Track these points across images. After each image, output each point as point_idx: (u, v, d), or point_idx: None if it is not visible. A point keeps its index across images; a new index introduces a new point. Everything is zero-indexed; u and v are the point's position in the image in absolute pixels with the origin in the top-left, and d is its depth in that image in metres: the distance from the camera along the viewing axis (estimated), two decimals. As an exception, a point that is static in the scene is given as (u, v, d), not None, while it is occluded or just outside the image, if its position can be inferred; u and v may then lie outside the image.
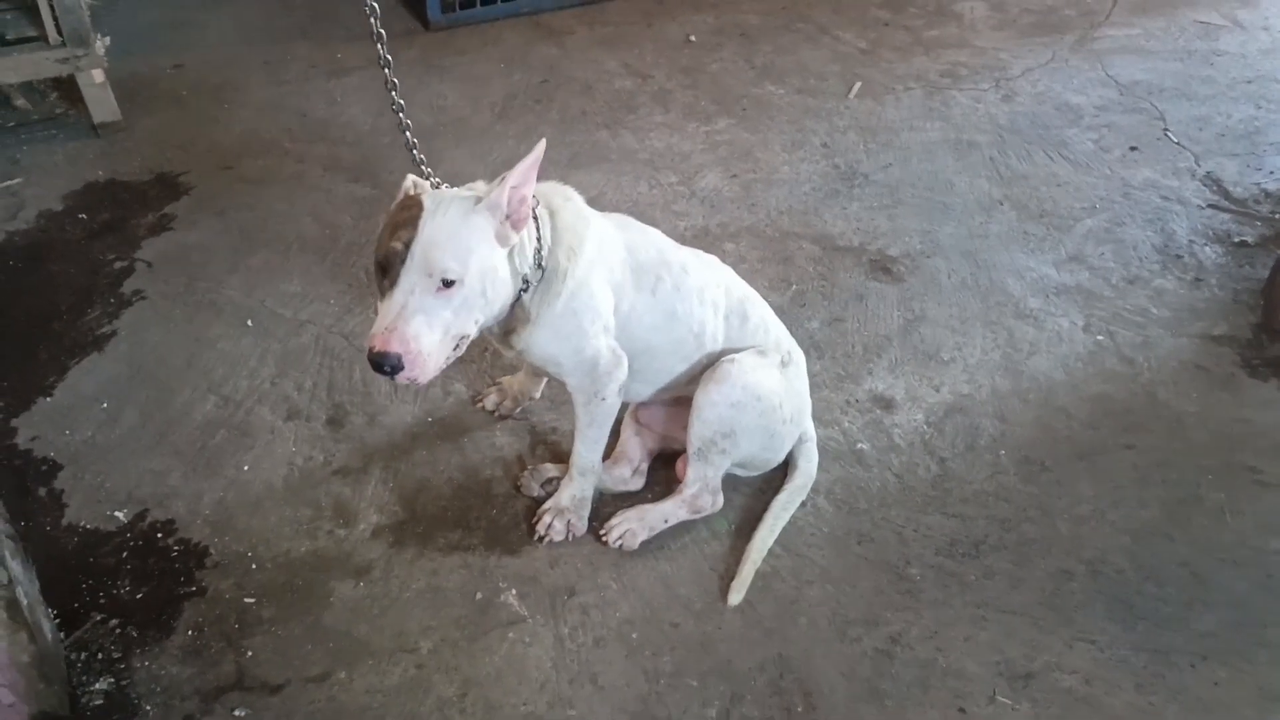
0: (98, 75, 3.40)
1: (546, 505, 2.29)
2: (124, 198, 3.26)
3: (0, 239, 3.08)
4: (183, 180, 3.34)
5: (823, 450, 2.42)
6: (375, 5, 2.25)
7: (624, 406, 2.34)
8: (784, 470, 2.38)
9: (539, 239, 1.98)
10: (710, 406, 2.19)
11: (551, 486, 2.35)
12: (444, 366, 1.88)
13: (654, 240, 2.21)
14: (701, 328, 2.21)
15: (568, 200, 2.07)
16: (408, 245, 1.79)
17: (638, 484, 2.40)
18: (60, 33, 3.21)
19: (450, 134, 3.58)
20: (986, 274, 3.01)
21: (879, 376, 2.69)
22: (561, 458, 2.39)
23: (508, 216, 1.88)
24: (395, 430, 2.53)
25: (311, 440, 2.50)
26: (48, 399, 2.60)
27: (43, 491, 2.37)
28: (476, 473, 2.42)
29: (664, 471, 2.42)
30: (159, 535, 2.29)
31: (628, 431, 2.42)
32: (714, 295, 2.24)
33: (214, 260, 3.02)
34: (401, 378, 1.80)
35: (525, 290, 1.97)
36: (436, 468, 2.43)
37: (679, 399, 2.32)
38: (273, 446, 2.48)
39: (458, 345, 1.89)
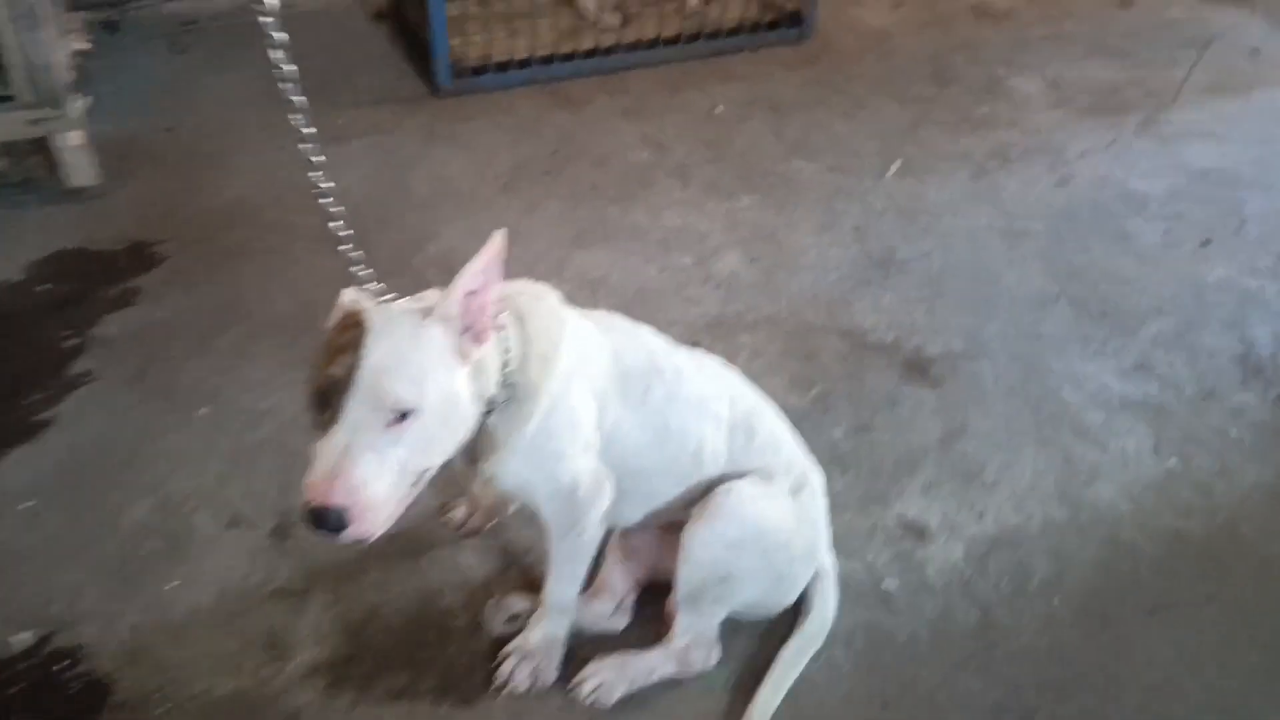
0: (75, 138, 3.22)
1: (511, 646, 1.99)
2: (92, 268, 3.06)
3: (-51, 309, 2.88)
4: (158, 250, 3.13)
5: (843, 587, 2.11)
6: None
7: (609, 531, 2.03)
8: (795, 611, 2.06)
9: (506, 350, 1.70)
10: (701, 547, 1.89)
11: (518, 624, 2.04)
12: (400, 513, 1.59)
13: (644, 342, 1.93)
14: (699, 445, 1.92)
15: (538, 300, 1.80)
16: (350, 372, 1.51)
17: (620, 623, 2.08)
18: (34, 91, 3.04)
19: (449, 206, 3.36)
20: (1039, 380, 2.70)
21: (911, 499, 2.36)
22: (537, 585, 2.09)
23: (467, 329, 1.61)
24: (346, 546, 2.23)
25: (252, 553, 2.22)
26: (-33, 494, 2.35)
27: (-65, 606, 2.12)
28: (434, 600, 2.12)
29: (653, 606, 2.10)
30: (65, 663, 2.01)
31: (611, 559, 2.12)
32: (716, 407, 1.95)
33: (176, 340, 2.79)
34: (348, 536, 1.50)
35: (489, 413, 1.69)
36: (389, 592, 2.14)
37: (671, 524, 2.01)
38: (206, 560, 2.21)
39: (416, 481, 1.59)
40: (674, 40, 4.27)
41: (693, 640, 1.96)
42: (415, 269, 3.01)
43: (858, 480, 2.41)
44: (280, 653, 2.03)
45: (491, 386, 1.66)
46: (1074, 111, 3.93)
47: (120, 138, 3.66)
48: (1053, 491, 2.38)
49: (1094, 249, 3.19)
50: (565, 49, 4.15)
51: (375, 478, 1.50)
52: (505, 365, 1.68)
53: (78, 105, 3.14)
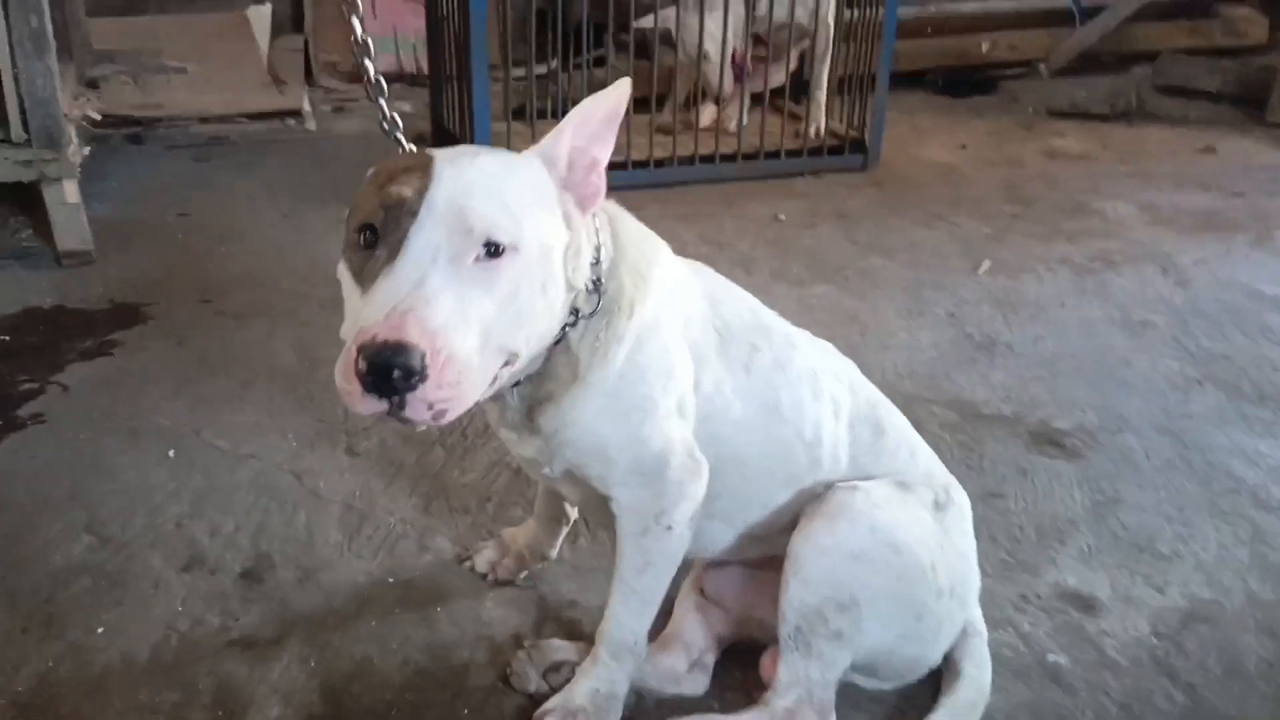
0: (70, 191, 2.97)
1: (551, 704, 1.49)
2: (65, 324, 2.73)
3: (-107, 354, 2.51)
4: (145, 310, 2.80)
5: (993, 659, 1.59)
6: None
7: (681, 567, 1.54)
8: (935, 683, 1.55)
9: (596, 248, 1.31)
10: (817, 556, 1.42)
11: (560, 677, 1.53)
12: (484, 396, 1.17)
13: (744, 298, 1.54)
14: (816, 433, 1.49)
15: (629, 216, 1.44)
16: (421, 191, 1.13)
17: (697, 686, 1.58)
18: (26, 129, 2.80)
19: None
20: (1201, 456, 2.25)
21: (1067, 567, 1.88)
22: (585, 638, 1.60)
23: (569, 187, 1.25)
24: (336, 591, 1.77)
25: (210, 598, 1.75)
26: None
27: None
28: (448, 655, 1.63)
29: (740, 671, 1.61)
30: (-65, 717, 1.50)
31: (685, 605, 1.64)
32: (833, 389, 1.53)
33: (152, 387, 2.41)
34: (424, 397, 1.07)
35: (572, 325, 1.29)
36: (387, 645, 1.65)
37: (771, 559, 1.54)
38: (151, 604, 1.74)
39: (497, 376, 1.18)
40: (730, 157, 4.09)
41: (801, 699, 1.44)
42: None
43: (995, 546, 1.93)
44: (233, 711, 1.53)
45: (581, 280, 1.27)
46: (1176, 229, 3.65)
47: (125, 217, 3.43)
48: (1249, 565, 1.90)
49: (1233, 339, 2.81)
50: (615, 159, 3.95)
51: (460, 326, 1.09)
52: (596, 262, 1.30)
53: (74, 150, 2.89)
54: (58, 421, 2.26)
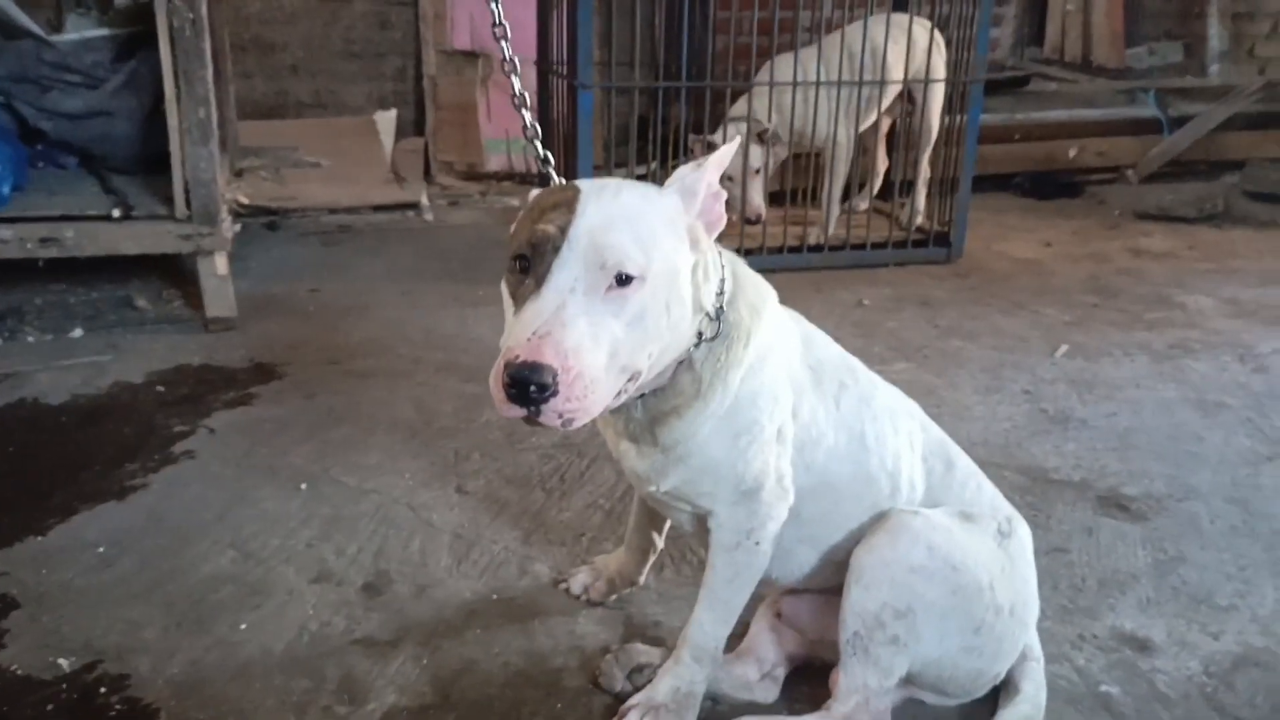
0: (220, 264, 3.33)
1: (634, 700, 1.66)
2: (211, 378, 3.04)
3: (64, 399, 2.85)
4: (280, 369, 3.11)
5: (1048, 688, 1.71)
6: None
7: (764, 583, 1.70)
8: (991, 705, 1.68)
9: (721, 280, 1.53)
10: (879, 567, 1.58)
11: (643, 677, 1.70)
12: (610, 406, 1.38)
13: (833, 344, 1.75)
14: (896, 463, 1.67)
15: (741, 260, 1.65)
16: (565, 228, 1.35)
17: (767, 695, 1.73)
18: (189, 206, 3.17)
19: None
20: (1266, 524, 2.34)
21: (1125, 614, 1.99)
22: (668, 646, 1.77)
23: (701, 213, 1.47)
24: (446, 604, 1.97)
25: (337, 605, 1.97)
26: (38, 538, 2.21)
27: (-16, 629, 1.90)
28: (543, 661, 1.81)
29: (808, 686, 1.75)
30: (102, 691, 1.76)
31: (762, 623, 1.80)
32: (909, 426, 1.71)
33: (287, 432, 2.68)
34: (555, 408, 1.28)
35: (696, 347, 1.50)
36: (490, 649, 1.84)
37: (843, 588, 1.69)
38: (286, 608, 1.97)
39: (622, 390, 1.38)
40: (817, 248, 4.31)
41: (859, 705, 1.59)
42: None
43: (1057, 594, 2.05)
44: (355, 697, 1.74)
45: (708, 303, 1.48)
46: (1257, 321, 3.73)
47: (263, 293, 3.77)
48: (1307, 620, 1.98)
49: (1308, 421, 2.88)
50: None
51: (590, 347, 1.30)
52: (719, 294, 1.51)
53: (228, 226, 3.25)
54: (206, 458, 2.54)
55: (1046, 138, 5.80)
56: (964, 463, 1.76)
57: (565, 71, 4.10)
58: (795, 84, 4.12)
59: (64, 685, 1.76)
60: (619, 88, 4.23)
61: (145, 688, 1.76)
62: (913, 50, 4.21)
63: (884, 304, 3.86)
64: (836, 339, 1.77)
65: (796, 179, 4.59)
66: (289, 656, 1.83)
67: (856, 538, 1.65)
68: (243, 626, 1.91)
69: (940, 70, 4.36)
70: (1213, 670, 1.83)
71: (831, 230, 4.42)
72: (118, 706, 1.72)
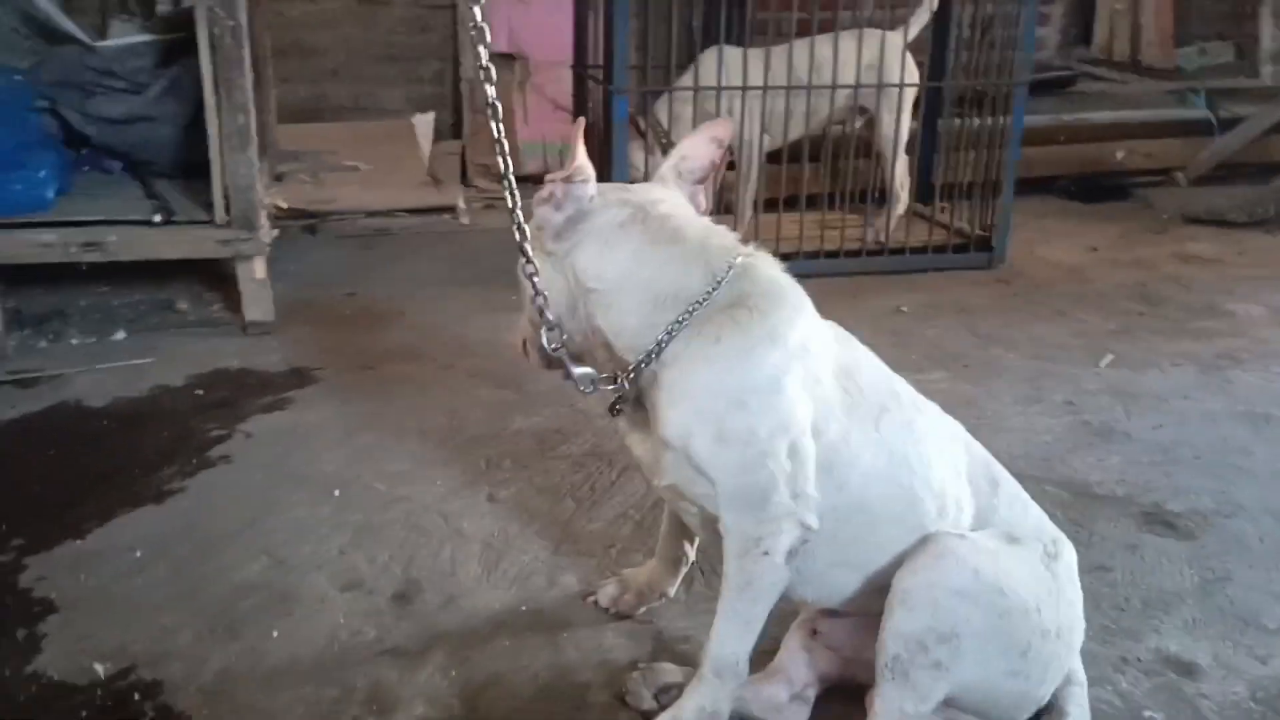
0: (259, 268, 3.35)
1: (661, 718, 1.62)
2: (249, 382, 3.06)
3: (105, 403, 2.88)
4: (316, 374, 3.12)
5: (1091, 712, 1.68)
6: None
7: (780, 606, 1.67)
8: (1036, 726, 1.64)
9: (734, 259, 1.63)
10: (924, 589, 1.54)
11: (670, 697, 1.69)
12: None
13: (875, 361, 1.71)
14: (942, 484, 1.63)
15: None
16: None
17: (797, 717, 1.72)
18: (228, 211, 3.20)
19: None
20: (1316, 543, 2.27)
21: (1170, 635, 1.94)
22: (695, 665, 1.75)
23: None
24: (475, 614, 1.97)
25: (367, 614, 1.97)
26: (76, 542, 2.23)
27: (21, 634, 1.93)
28: (570, 675, 1.80)
29: (841, 707, 1.72)
30: (136, 697, 1.77)
31: (792, 643, 1.77)
32: (952, 450, 1.67)
33: (319, 437, 2.69)
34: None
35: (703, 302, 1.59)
36: (518, 662, 1.83)
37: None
38: (316, 616, 1.97)
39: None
40: (855, 253, 4.26)
41: (896, 728, 1.55)
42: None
43: (1099, 614, 2.00)
44: (383, 708, 1.73)
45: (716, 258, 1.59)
46: (1309, 331, 3.64)
47: (301, 297, 3.79)
48: (1359, 645, 1.92)
49: (1363, 435, 2.80)
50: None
51: None
52: (729, 268, 1.59)
53: (266, 232, 3.27)
54: (241, 462, 2.56)
55: (1093, 139, 5.70)
56: (1009, 483, 1.72)
57: (600, 76, 4.08)
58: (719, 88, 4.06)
59: (99, 691, 1.78)
60: (654, 91, 4.21)
61: (177, 695, 1.77)
62: (861, 60, 4.11)
63: (922, 311, 3.81)
64: (872, 347, 1.74)
65: (834, 182, 4.51)
66: (318, 665, 1.84)
67: (900, 561, 1.60)
68: (274, 634, 1.92)
69: (895, 77, 4.22)
70: (1260, 696, 1.78)
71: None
72: (150, 715, 1.73)
